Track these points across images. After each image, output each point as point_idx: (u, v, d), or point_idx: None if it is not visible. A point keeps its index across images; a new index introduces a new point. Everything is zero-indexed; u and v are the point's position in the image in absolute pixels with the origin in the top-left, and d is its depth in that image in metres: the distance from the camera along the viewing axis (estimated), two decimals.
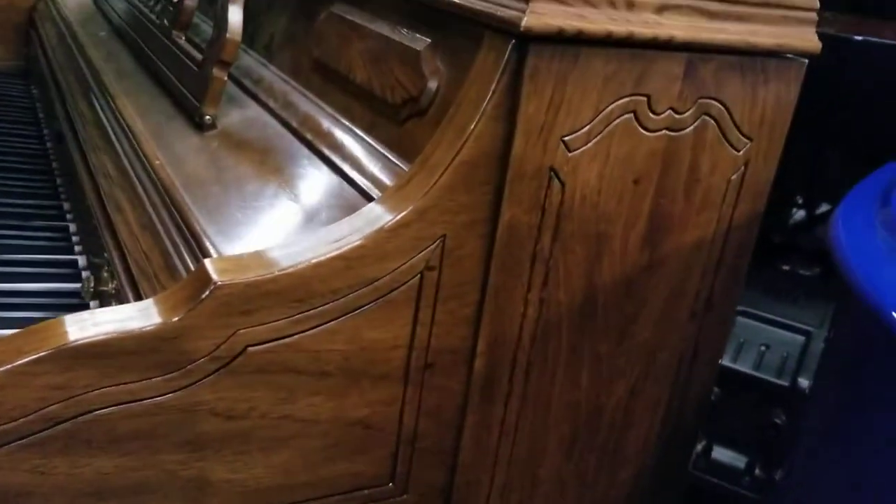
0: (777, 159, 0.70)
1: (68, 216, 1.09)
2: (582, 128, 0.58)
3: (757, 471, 0.99)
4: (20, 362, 0.47)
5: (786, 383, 0.95)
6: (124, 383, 0.50)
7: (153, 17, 1.05)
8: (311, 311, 0.54)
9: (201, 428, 0.54)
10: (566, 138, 0.57)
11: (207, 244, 0.62)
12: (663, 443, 0.78)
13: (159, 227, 0.68)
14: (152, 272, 0.65)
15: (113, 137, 0.89)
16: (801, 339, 1.03)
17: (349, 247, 0.54)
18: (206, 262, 0.52)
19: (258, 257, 0.54)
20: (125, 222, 0.74)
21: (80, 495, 0.52)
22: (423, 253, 0.56)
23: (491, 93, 0.54)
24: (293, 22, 0.87)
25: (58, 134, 1.20)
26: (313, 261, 0.53)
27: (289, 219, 0.65)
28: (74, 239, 1.03)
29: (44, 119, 1.48)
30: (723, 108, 0.63)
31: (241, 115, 0.83)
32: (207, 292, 0.50)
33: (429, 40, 0.62)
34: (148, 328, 0.50)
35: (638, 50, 0.57)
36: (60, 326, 0.49)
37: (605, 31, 0.54)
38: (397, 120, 0.65)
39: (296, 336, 0.54)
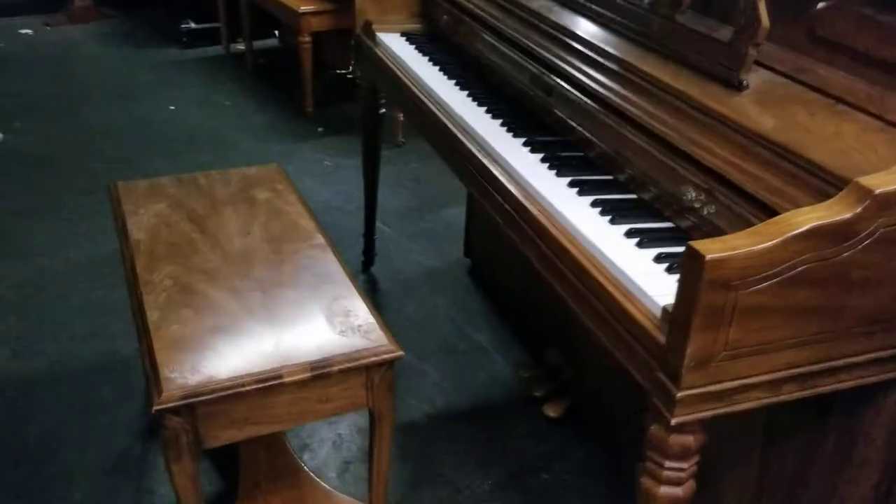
0: None
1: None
2: None
3: None
4: (785, 237, 0.92)
5: None
6: (825, 249, 0.94)
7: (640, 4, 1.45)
8: None
9: (852, 276, 0.98)
10: None
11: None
12: None
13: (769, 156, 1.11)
14: (768, 188, 1.08)
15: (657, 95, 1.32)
16: None
17: None
18: (861, 180, 0.94)
19: None
20: (710, 152, 1.18)
21: (792, 312, 0.98)
22: None
23: None
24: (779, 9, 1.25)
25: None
26: None
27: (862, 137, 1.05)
28: None
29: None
30: None
31: (759, 79, 1.24)
32: (868, 199, 0.93)
33: None
34: (838, 219, 0.93)
35: None
36: (792, 220, 0.93)
37: None
38: None
39: None
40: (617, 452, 1.90)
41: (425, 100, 1.79)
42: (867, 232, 0.95)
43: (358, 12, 2.22)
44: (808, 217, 0.94)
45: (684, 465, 1.07)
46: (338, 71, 4.29)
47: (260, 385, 1.26)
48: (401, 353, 1.36)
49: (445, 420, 2.05)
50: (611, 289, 1.13)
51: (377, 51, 2.12)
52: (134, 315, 1.47)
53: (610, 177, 1.42)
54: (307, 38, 3.71)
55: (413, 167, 3.48)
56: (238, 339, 1.34)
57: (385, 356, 1.35)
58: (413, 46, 2.07)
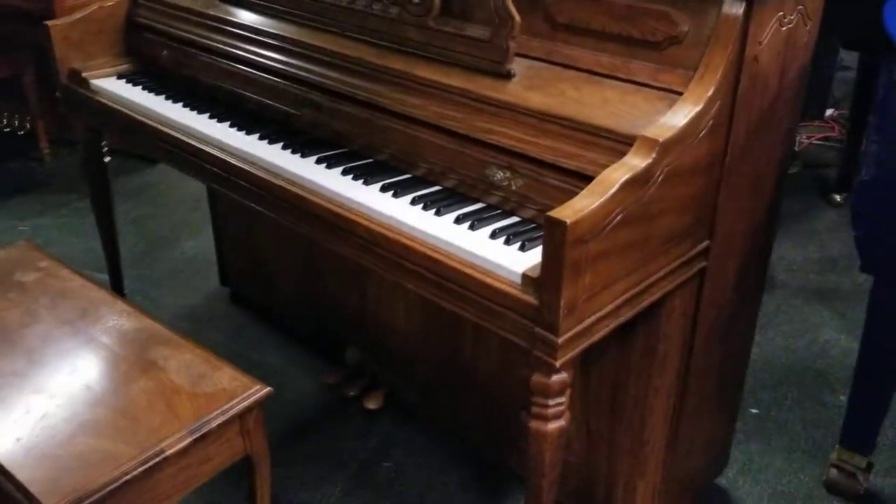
0: None
1: None
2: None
3: None
4: (611, 193, 1.13)
5: None
6: (635, 194, 1.18)
7: (391, 11, 1.58)
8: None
9: (652, 209, 1.22)
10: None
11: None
12: None
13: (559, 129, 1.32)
14: (567, 155, 1.30)
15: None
16: None
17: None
18: (647, 134, 1.18)
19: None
20: (506, 136, 1.37)
21: (621, 250, 1.20)
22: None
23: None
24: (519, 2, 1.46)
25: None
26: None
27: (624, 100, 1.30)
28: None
29: None
30: None
31: (521, 66, 1.44)
32: (657, 148, 1.17)
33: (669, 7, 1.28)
34: (640, 169, 1.17)
35: None
36: (609, 178, 1.15)
37: None
38: (658, 49, 1.31)
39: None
40: (442, 419, 2.07)
41: (190, 140, 1.76)
42: (658, 173, 1.20)
43: (59, 61, 2.07)
44: (619, 173, 1.17)
45: (563, 399, 1.26)
46: None
47: (144, 467, 1.21)
48: (269, 388, 1.38)
49: (275, 449, 2.05)
50: (469, 271, 1.27)
51: (99, 98, 2.00)
52: None
53: (410, 175, 1.56)
54: None
55: (125, 209, 3.27)
56: (96, 431, 1.25)
57: (256, 397, 1.36)
58: (140, 88, 1.99)
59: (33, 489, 1.14)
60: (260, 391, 1.36)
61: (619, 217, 1.17)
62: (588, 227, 1.12)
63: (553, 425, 1.27)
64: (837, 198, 3.35)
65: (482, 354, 1.88)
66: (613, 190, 1.14)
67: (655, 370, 1.54)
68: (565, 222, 1.09)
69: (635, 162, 1.19)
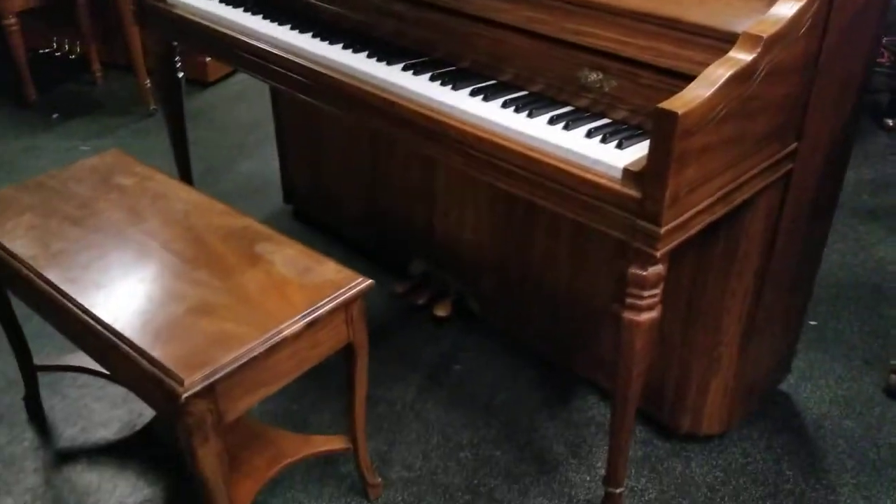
0: None
1: None
2: None
3: None
4: (717, 86, 1.17)
5: None
6: (738, 89, 1.21)
7: None
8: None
9: (752, 106, 1.26)
10: None
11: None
12: None
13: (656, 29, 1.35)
14: (664, 54, 1.33)
15: None
16: None
17: None
18: (750, 30, 1.21)
19: None
20: (600, 37, 1.40)
21: (721, 145, 1.24)
22: None
23: None
24: None
25: None
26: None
27: None
28: None
29: None
30: None
31: None
32: (760, 44, 1.20)
33: None
34: (744, 64, 1.20)
35: None
36: (715, 72, 1.18)
37: None
38: None
39: None
40: (509, 326, 2.15)
41: (275, 50, 1.80)
42: (760, 69, 1.24)
43: None
44: (724, 68, 1.20)
45: (657, 291, 1.32)
46: (42, 51, 3.87)
47: (266, 346, 1.29)
48: (371, 280, 1.45)
49: None
50: (567, 168, 1.32)
51: (177, 11, 2.04)
52: (81, 334, 1.38)
53: (495, 81, 1.59)
54: (14, 21, 3.30)
55: None
56: (219, 315, 1.33)
57: (360, 287, 1.43)
58: (217, 0, 2.02)
59: (169, 364, 1.23)
60: (363, 282, 1.44)
61: (722, 112, 1.21)
62: (696, 120, 1.16)
63: (646, 316, 1.34)
64: (890, 122, 3.35)
65: (551, 265, 1.94)
66: (719, 84, 1.18)
67: (734, 272, 1.59)
68: (676, 113, 1.13)
69: (740, 57, 1.22)
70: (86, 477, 1.77)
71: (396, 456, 1.81)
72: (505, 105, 1.49)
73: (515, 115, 1.46)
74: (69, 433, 1.88)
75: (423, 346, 2.14)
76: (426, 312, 2.22)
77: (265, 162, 3.12)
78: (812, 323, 2.21)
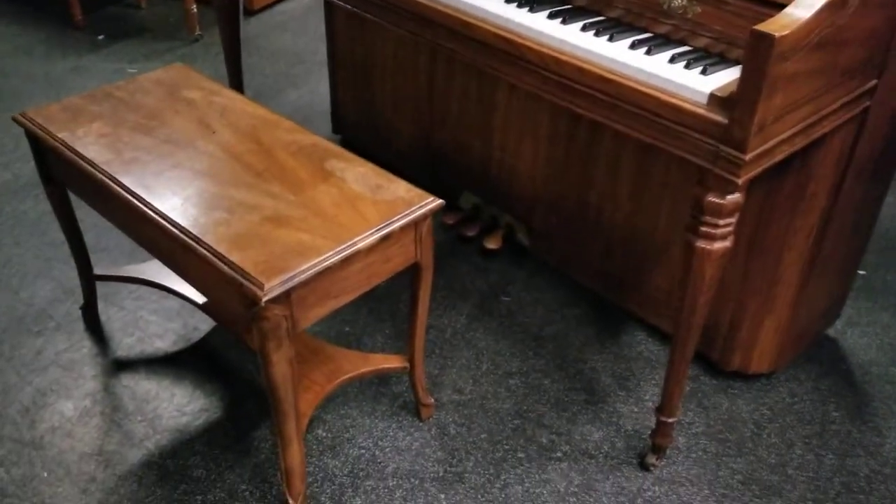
0: None
1: None
2: None
3: None
4: (815, 11, 1.15)
5: None
6: (832, 18, 1.19)
7: None
8: None
9: (843, 36, 1.24)
10: None
11: None
12: None
13: None
14: None
15: None
16: None
17: None
18: None
19: None
20: None
21: (809, 74, 1.23)
22: None
23: None
24: None
25: None
26: None
27: None
28: None
29: None
30: None
31: None
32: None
33: None
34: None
35: None
36: None
37: None
38: None
39: None
40: (561, 260, 2.16)
41: None
42: None
43: None
44: None
45: (732, 220, 1.32)
46: None
47: (341, 257, 1.30)
48: (440, 200, 1.46)
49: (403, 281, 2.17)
50: (649, 92, 1.31)
51: None
52: (156, 238, 1.40)
53: (572, 5, 1.58)
54: None
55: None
56: (295, 226, 1.35)
57: (430, 206, 1.44)
58: None
59: (248, 268, 1.25)
60: (433, 202, 1.44)
61: (815, 39, 1.19)
62: (791, 44, 1.15)
63: (719, 245, 1.34)
64: None
65: (609, 203, 1.94)
66: (817, 9, 1.16)
67: (801, 210, 1.59)
68: (773, 36, 1.11)
69: None
70: (143, 385, 1.81)
71: (447, 380, 1.84)
72: (584, 29, 1.47)
73: (595, 38, 1.44)
74: (126, 342, 1.92)
75: (472, 277, 2.16)
76: (476, 244, 2.23)
77: (312, 92, 3.11)
78: (861, 272, 2.21)
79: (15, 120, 1.64)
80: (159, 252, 1.48)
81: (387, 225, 1.37)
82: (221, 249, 1.29)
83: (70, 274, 2.09)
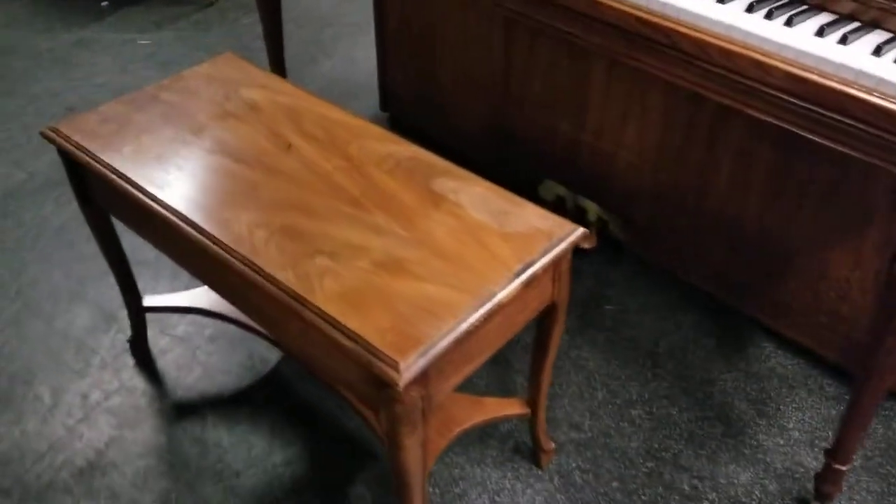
0: None
1: None
2: None
3: None
4: None
5: None
6: None
7: None
8: None
9: None
10: None
11: None
12: None
13: None
14: None
15: None
16: None
17: None
18: None
19: None
20: None
21: None
22: None
23: None
24: None
25: None
26: None
27: None
28: None
29: None
30: None
31: None
32: None
33: None
34: None
35: None
36: None
37: None
38: None
39: None
40: (668, 261, 1.90)
41: None
42: None
43: None
44: None
45: None
46: None
47: (480, 314, 1.04)
48: (584, 229, 1.19)
49: None
50: (856, 93, 1.03)
51: None
52: (241, 290, 1.13)
53: None
54: None
55: (246, 25, 2.99)
56: (415, 274, 1.08)
57: (572, 238, 1.17)
58: None
59: (375, 340, 0.98)
60: (574, 231, 1.17)
61: None
62: None
63: None
64: None
65: (737, 197, 1.67)
66: None
67: None
68: None
69: None
70: (213, 434, 1.57)
71: (560, 413, 1.60)
72: (749, 9, 1.18)
73: (768, 21, 1.15)
74: (186, 381, 1.67)
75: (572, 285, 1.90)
76: None
77: (348, 61, 2.80)
78: None
79: (44, 136, 1.35)
80: (241, 301, 1.22)
81: (527, 266, 1.10)
82: (333, 312, 1.02)
83: (108, 294, 1.83)
